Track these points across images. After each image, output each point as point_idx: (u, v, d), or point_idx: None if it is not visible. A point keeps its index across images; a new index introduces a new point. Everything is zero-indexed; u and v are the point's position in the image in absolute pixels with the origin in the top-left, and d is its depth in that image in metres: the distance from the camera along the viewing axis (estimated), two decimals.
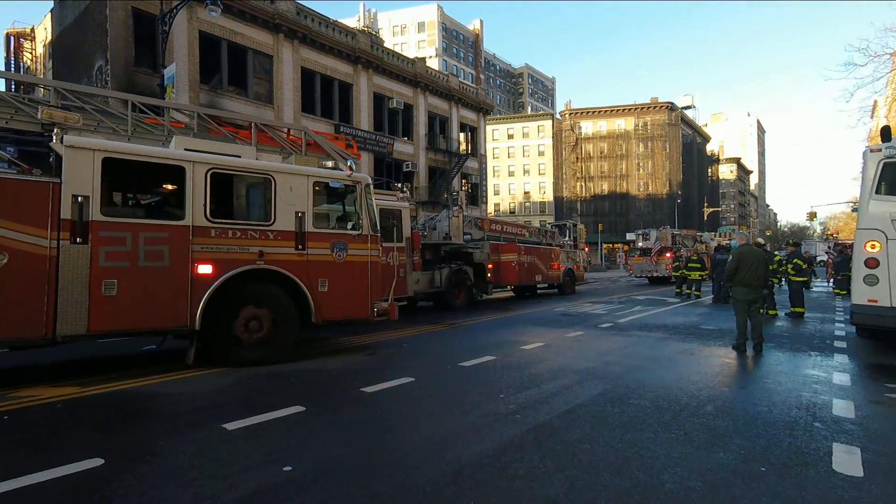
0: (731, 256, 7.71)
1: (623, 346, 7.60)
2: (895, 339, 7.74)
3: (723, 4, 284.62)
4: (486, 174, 37.00)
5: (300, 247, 6.18)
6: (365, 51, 25.98)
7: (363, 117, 26.48)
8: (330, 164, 6.62)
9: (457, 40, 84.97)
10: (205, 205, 5.40)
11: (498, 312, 12.70)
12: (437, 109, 31.80)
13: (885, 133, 7.00)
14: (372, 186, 6.98)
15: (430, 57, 71.73)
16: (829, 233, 64.87)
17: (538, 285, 18.32)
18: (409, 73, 29.29)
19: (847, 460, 3.36)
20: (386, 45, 30.83)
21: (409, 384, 5.21)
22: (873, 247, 6.77)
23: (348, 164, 6.59)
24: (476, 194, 35.68)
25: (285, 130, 7.36)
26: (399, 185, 31.22)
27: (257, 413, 4.13)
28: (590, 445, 3.53)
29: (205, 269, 5.39)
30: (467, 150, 33.79)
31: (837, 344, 8.00)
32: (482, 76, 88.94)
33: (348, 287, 6.62)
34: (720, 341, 8.14)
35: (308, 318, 6.24)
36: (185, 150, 5.56)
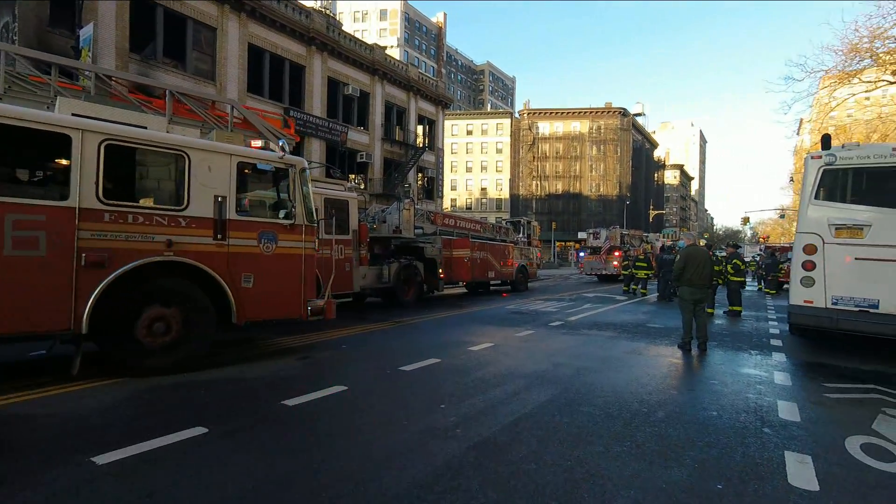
0: (678, 256, 7.66)
1: (573, 346, 7.38)
2: (826, 338, 7.97)
3: (678, 19, 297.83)
4: (442, 169, 36.56)
5: (220, 236, 5.45)
6: (320, 32, 24.80)
7: (315, 102, 25.33)
8: (259, 143, 5.92)
9: (419, 32, 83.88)
10: (97, 183, 4.53)
11: (449, 309, 12.31)
12: (394, 99, 30.99)
13: (825, 141, 7.11)
14: (308, 171, 6.34)
15: (392, 47, 70.33)
16: (759, 237, 69.23)
17: (491, 282, 18.12)
18: (367, 59, 28.31)
19: (801, 472, 3.17)
20: (345, 30, 29.56)
21: (340, 395, 4.67)
22: (810, 250, 6.87)
23: (280, 144, 5.91)
24: (432, 188, 35.19)
25: (209, 102, 6.55)
26: (353, 176, 30.39)
27: (143, 439, 3.38)
28: (536, 466, 3.15)
29: (95, 260, 4.52)
30: (425, 143, 33.24)
31: (774, 342, 8.15)
32: (443, 70, 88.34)
33: (278, 283, 5.96)
34: (666, 340, 8.11)
35: (229, 318, 5.54)
36: (73, 115, 4.65)
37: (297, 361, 6.03)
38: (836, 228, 6.61)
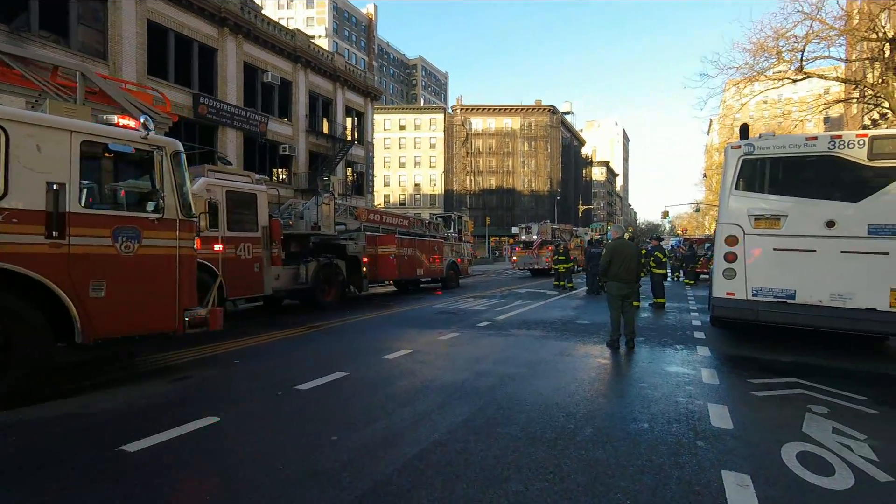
0: (604, 250, 7.37)
1: (499, 350, 6.84)
2: (744, 329, 8.06)
3: (605, 19, 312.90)
4: (373, 163, 35.32)
5: (55, 234, 4.28)
6: (233, 12, 22.74)
7: (230, 89, 23.26)
8: (116, 119, 4.77)
9: (349, 22, 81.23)
10: None
11: (373, 310, 11.47)
12: (319, 90, 29.33)
13: (744, 131, 7.09)
14: (184, 155, 5.25)
15: (320, 37, 67.39)
16: (677, 231, 74.19)
17: (421, 279, 17.44)
18: (288, 45, 26.48)
19: (742, 498, 2.74)
20: (268, 15, 27.30)
21: (206, 430, 3.73)
22: (731, 241, 6.80)
23: (141, 120, 4.79)
24: (362, 184, 33.88)
25: (51, 68, 5.24)
26: (277, 170, 28.42)
27: None
28: None
29: None
30: (353, 136, 31.85)
31: (697, 335, 8.13)
32: (375, 63, 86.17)
33: (143, 290, 4.86)
34: (595, 337, 7.83)
35: (72, 336, 4.38)
36: None
37: (169, 385, 4.96)
38: (755, 219, 6.56)
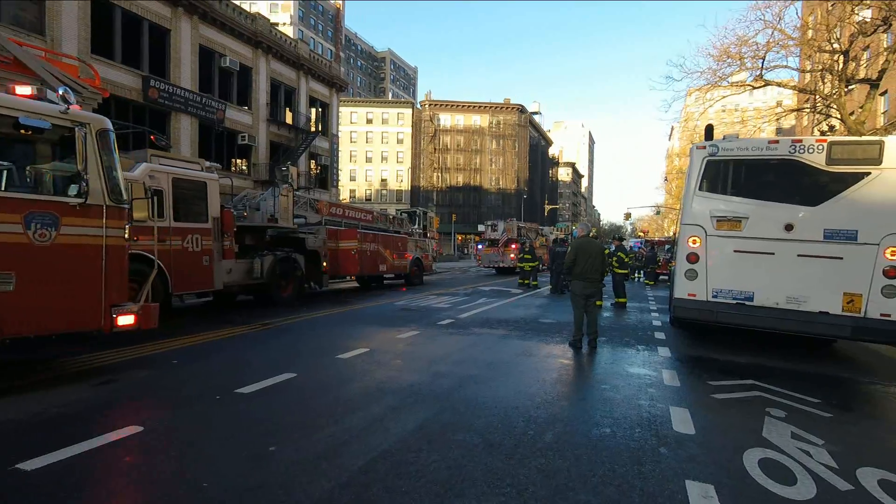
0: (569, 248, 7.25)
1: (460, 349, 6.60)
2: (703, 329, 8.14)
3: (574, 20, 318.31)
4: (337, 156, 34.47)
5: None
6: None
7: (185, 73, 22.03)
8: (26, 90, 4.20)
9: (315, 11, 79.07)
10: None
11: (332, 307, 11.02)
12: (282, 78, 28.28)
13: (708, 131, 7.12)
14: (112, 135, 4.72)
15: (285, 24, 65.25)
16: (638, 232, 76.39)
17: (385, 275, 17.04)
18: (248, 29, 25.35)
19: None
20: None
21: (126, 441, 3.30)
22: (694, 242, 6.80)
23: (59, 92, 4.24)
24: (326, 177, 33.02)
25: None
26: (237, 160, 27.24)
27: None
28: None
29: None
30: (317, 127, 30.91)
31: (657, 335, 8.16)
32: (342, 54, 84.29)
33: (61, 284, 4.33)
34: (558, 337, 7.72)
35: None
36: None
37: (91, 390, 4.44)
38: (718, 220, 6.58)
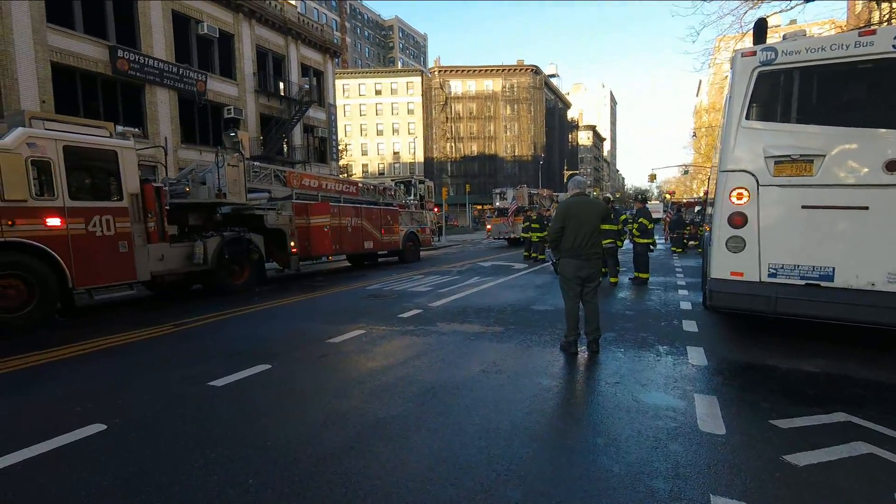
0: (555, 213, 5.21)
1: (403, 361, 4.73)
2: (750, 316, 6.01)
3: None
4: (335, 127, 32.38)
5: None
6: None
7: (157, 42, 20.21)
8: None
9: None
10: None
11: (293, 294, 9.28)
12: (268, 44, 26.18)
13: (759, 29, 4.83)
14: None
15: None
16: (664, 194, 72.25)
17: (378, 253, 15.26)
18: None
19: None
20: None
21: None
22: (740, 196, 4.66)
23: None
24: (325, 150, 31.10)
25: None
26: (224, 135, 25.54)
27: None
28: None
29: None
30: (310, 96, 28.83)
31: (687, 326, 6.12)
32: (347, 24, 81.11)
33: None
34: (548, 333, 5.79)
35: None
36: None
37: None
38: (777, 162, 4.40)
